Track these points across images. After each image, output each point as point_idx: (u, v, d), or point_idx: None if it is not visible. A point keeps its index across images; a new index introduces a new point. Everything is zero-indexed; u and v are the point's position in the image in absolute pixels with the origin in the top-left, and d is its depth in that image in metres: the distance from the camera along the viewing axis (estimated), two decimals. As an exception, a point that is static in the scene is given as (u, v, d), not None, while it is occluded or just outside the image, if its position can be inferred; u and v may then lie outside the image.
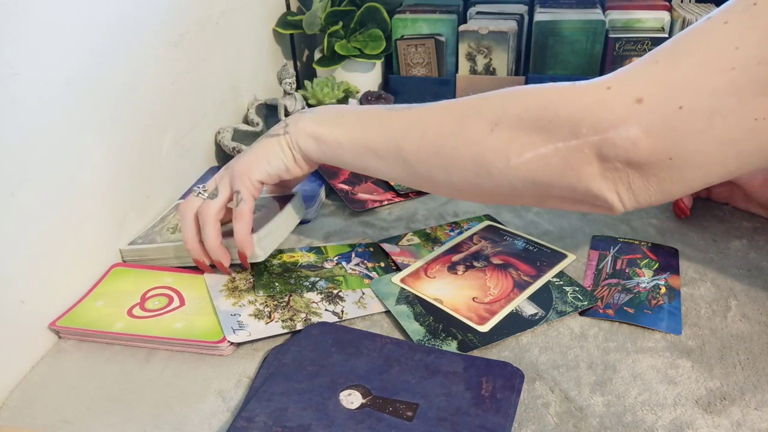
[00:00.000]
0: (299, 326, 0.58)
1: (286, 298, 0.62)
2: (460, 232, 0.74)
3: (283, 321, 0.59)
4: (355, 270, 0.67)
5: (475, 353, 0.55)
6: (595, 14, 1.11)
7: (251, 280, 0.65)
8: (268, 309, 0.61)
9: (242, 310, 0.60)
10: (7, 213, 0.54)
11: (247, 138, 0.94)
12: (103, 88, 0.66)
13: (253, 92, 1.05)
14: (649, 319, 0.59)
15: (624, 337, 0.57)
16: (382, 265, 0.69)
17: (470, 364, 0.53)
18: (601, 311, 0.60)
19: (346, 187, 0.84)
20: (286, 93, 0.96)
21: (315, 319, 0.59)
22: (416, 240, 0.73)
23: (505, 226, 0.75)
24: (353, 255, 0.70)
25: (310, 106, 1.05)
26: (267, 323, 0.59)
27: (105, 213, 0.68)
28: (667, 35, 1.07)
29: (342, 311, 0.61)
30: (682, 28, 1.04)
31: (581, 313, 0.60)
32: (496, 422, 0.47)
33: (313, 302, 0.62)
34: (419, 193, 0.83)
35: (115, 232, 0.70)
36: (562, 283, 0.64)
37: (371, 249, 0.72)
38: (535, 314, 0.59)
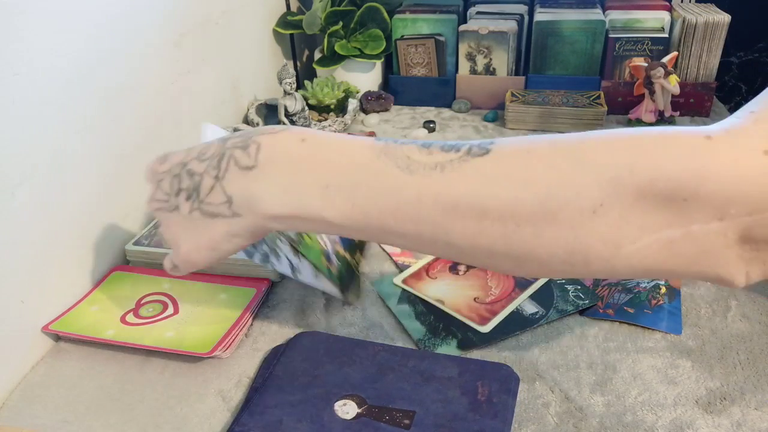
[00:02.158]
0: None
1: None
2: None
3: None
4: (327, 244, 0.64)
5: (476, 353, 0.55)
6: (595, 14, 1.11)
7: None
8: None
9: None
10: (7, 213, 0.54)
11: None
12: (104, 88, 0.66)
13: (253, 92, 1.05)
14: (649, 319, 0.59)
15: (624, 337, 0.57)
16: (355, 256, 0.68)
17: (465, 369, 0.52)
18: (601, 311, 0.60)
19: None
20: (286, 93, 0.96)
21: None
22: None
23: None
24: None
25: (310, 106, 1.05)
26: None
27: (105, 213, 0.68)
28: (667, 35, 1.07)
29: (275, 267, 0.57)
30: (682, 28, 1.04)
31: (581, 313, 0.60)
32: (494, 427, 0.47)
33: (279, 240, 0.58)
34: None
35: (116, 232, 0.70)
36: (563, 281, 0.64)
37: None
38: (536, 313, 0.59)
